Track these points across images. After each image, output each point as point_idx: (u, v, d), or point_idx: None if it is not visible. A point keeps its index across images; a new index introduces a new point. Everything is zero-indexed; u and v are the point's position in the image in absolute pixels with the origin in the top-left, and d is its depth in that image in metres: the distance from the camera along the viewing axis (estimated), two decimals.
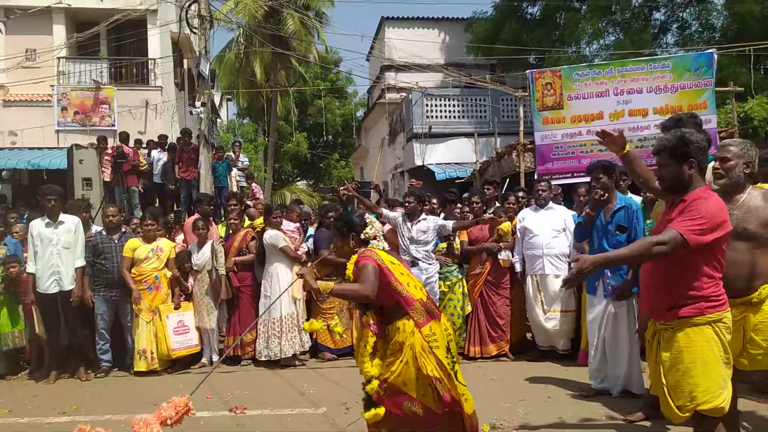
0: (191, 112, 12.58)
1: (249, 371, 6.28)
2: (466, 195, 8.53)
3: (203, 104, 11.18)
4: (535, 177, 8.99)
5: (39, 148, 14.44)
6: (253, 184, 13.24)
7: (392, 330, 3.16)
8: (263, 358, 6.30)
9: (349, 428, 4.21)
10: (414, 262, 6.10)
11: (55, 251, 6.02)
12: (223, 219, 8.45)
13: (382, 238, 3.38)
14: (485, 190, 7.42)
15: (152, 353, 6.25)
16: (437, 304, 5.83)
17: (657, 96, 9.07)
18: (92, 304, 6.24)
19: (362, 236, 3.29)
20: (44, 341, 6.24)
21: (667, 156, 2.94)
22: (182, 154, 11.14)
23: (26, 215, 9.35)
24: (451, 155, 15.44)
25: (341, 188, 8.35)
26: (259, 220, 7.04)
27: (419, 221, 6.23)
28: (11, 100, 14.73)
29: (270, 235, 6.37)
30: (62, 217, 6.14)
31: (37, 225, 6.07)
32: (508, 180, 11.27)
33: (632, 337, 4.68)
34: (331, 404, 4.83)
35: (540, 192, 6.17)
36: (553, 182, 7.23)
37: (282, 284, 6.24)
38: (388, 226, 6.40)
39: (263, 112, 26.69)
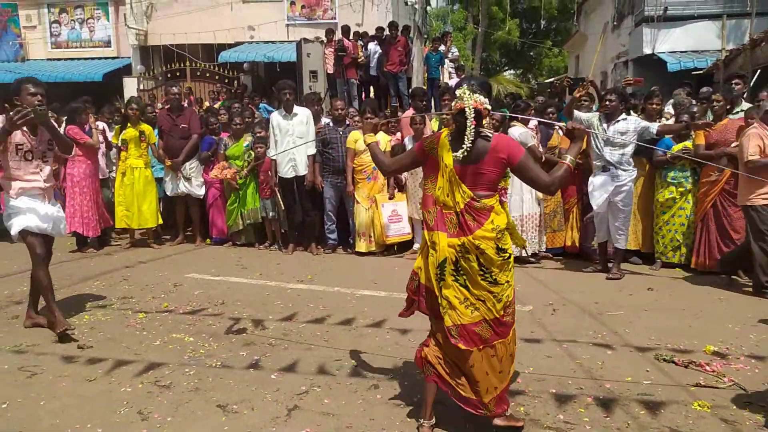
0: (406, 2, 12.57)
1: None
2: (704, 90, 7.48)
3: None
4: None
5: (272, 42, 15.84)
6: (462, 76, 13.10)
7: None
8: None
9: (554, 329, 4.26)
10: (606, 167, 5.63)
11: (291, 140, 6.73)
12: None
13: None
14: (732, 85, 6.43)
15: (371, 236, 6.87)
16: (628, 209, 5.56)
17: None
18: (321, 188, 6.98)
19: None
20: (281, 220, 7.20)
21: None
22: (389, 47, 11.32)
23: (262, 104, 10.56)
24: (689, 41, 13.37)
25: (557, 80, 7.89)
26: None
27: (618, 121, 5.61)
28: None
29: (520, 132, 6.19)
30: (296, 109, 6.79)
31: (276, 117, 6.82)
32: (759, 72, 9.53)
33: None
34: (538, 304, 4.91)
35: None
36: None
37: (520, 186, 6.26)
38: None
39: None
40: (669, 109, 7.51)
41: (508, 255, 2.79)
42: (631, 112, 6.27)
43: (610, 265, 5.85)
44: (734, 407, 3.06)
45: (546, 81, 24.66)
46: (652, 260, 6.19)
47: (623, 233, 5.75)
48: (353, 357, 3.81)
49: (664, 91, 7.77)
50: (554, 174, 2.76)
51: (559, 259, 6.61)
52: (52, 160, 4.51)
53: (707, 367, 3.52)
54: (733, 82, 6.55)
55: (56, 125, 4.43)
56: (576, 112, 6.04)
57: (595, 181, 5.77)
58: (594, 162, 5.82)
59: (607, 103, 5.71)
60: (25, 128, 4.17)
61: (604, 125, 5.68)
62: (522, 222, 6.29)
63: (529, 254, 6.42)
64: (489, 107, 2.73)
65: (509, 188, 6.32)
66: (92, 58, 17.18)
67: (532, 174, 2.76)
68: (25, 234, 4.26)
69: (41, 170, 4.34)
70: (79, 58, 17.18)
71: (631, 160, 5.69)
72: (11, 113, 3.90)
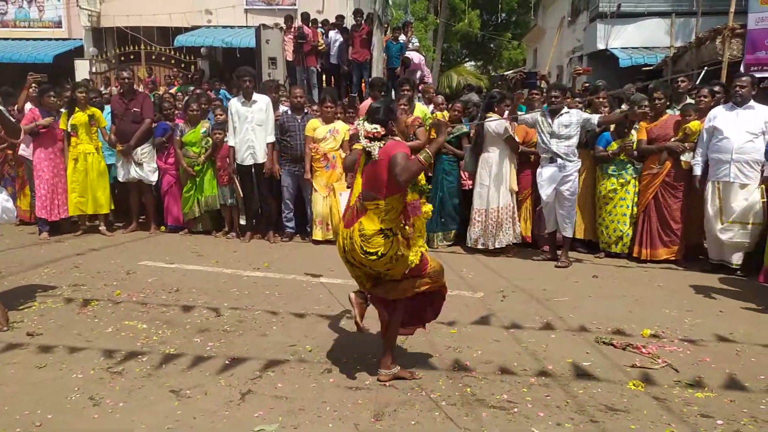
0: None
1: None
2: (651, 85, 7.77)
3: None
4: (741, 68, 7.85)
5: (231, 27, 15.60)
6: (425, 68, 13.17)
7: None
8: (479, 246, 6.46)
9: (503, 314, 4.43)
10: (553, 159, 5.88)
11: (250, 128, 6.70)
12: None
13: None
14: (678, 82, 6.72)
15: (328, 224, 6.92)
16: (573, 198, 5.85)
17: None
18: (279, 176, 6.98)
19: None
20: (240, 207, 7.18)
21: None
22: (354, 36, 11.33)
23: (222, 90, 10.43)
24: (641, 38, 13.85)
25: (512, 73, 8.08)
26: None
27: (561, 114, 5.87)
28: None
29: (497, 123, 6.20)
30: (255, 96, 6.75)
31: (234, 104, 6.77)
32: (705, 71, 9.95)
33: None
34: (489, 290, 5.07)
35: (739, 88, 5.44)
36: (763, 74, 6.30)
37: (500, 173, 6.30)
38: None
39: None
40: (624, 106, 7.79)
41: (376, 257, 3.11)
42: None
43: (558, 253, 6.07)
44: (666, 386, 3.27)
45: (500, 73, 25.06)
46: (597, 249, 6.44)
47: (570, 222, 5.98)
48: (307, 342, 3.89)
49: (615, 85, 8.05)
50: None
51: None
52: None
53: (643, 350, 3.73)
54: (679, 79, 6.84)
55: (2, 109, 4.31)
56: (520, 116, 6.29)
57: (544, 172, 5.99)
58: (541, 155, 6.04)
59: (553, 99, 5.95)
60: None
61: (549, 119, 5.90)
62: (498, 213, 6.34)
63: (504, 245, 6.44)
64: (380, 130, 3.17)
65: (483, 180, 6.36)
66: (42, 39, 16.59)
67: (396, 169, 3.01)
68: None
69: None
70: (27, 39, 16.57)
71: (576, 151, 5.92)
72: None
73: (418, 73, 11.56)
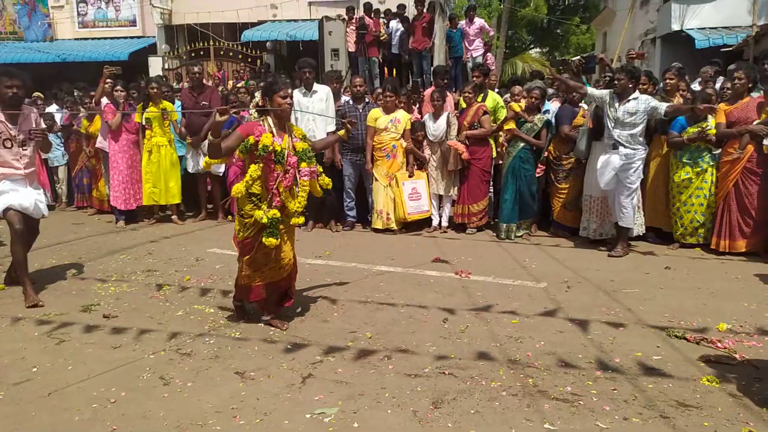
0: None
1: (474, 240, 6.63)
2: (731, 67, 7.31)
3: None
4: None
5: (295, 21, 15.85)
6: (488, 55, 12.92)
7: None
8: (590, 235, 6.26)
9: (567, 305, 4.30)
10: (615, 145, 5.62)
11: (311, 117, 6.79)
12: (458, 90, 8.56)
13: None
14: (765, 64, 6.26)
15: (388, 214, 6.93)
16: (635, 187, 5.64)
17: None
18: (341, 166, 7.04)
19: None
20: None
21: None
22: (415, 24, 11.25)
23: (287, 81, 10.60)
24: (719, 18, 13.00)
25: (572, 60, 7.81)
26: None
27: (628, 101, 5.58)
28: None
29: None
30: (316, 86, 6.84)
31: (296, 94, 6.88)
32: None
33: None
34: (553, 281, 4.94)
35: None
36: None
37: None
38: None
39: None
40: (696, 86, 7.37)
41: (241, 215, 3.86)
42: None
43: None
44: (743, 383, 3.08)
45: (559, 59, 24.27)
46: (670, 240, 6.14)
47: (627, 212, 5.73)
48: (367, 330, 3.91)
49: (692, 68, 7.62)
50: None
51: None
52: (34, 148, 4.72)
53: (719, 344, 3.53)
54: (764, 61, 6.36)
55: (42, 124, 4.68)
56: (590, 88, 6.04)
57: (603, 158, 5.79)
58: (605, 140, 5.81)
59: (616, 82, 5.69)
60: (2, 117, 4.34)
61: (616, 104, 5.65)
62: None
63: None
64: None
65: (593, 164, 6.02)
66: (118, 38, 17.43)
67: None
68: (6, 211, 4.48)
69: (21, 157, 4.56)
70: (105, 38, 17.45)
71: (641, 138, 5.65)
72: None
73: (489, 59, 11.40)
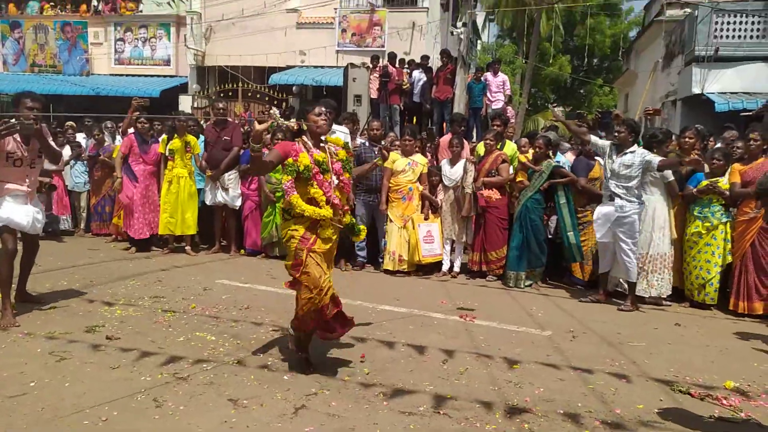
0: (452, 33, 12.81)
1: (482, 286, 6.58)
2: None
3: (464, 24, 11.36)
4: None
5: (321, 67, 16.34)
6: (509, 108, 13.14)
7: None
8: (618, 288, 6.12)
9: (570, 354, 4.22)
10: (611, 197, 5.67)
11: None
12: (474, 140, 8.70)
13: None
14: None
15: (401, 256, 6.94)
16: (632, 241, 5.59)
17: None
18: (354, 206, 7.11)
19: None
20: None
21: None
22: (439, 75, 11.54)
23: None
24: (740, 83, 13.09)
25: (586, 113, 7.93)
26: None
27: (625, 153, 5.63)
28: (302, 23, 16.72)
29: (661, 165, 5.62)
30: (334, 127, 6.97)
31: None
32: None
33: None
34: (558, 329, 4.87)
35: None
36: None
37: (657, 219, 5.86)
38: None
39: (525, 33, 25.77)
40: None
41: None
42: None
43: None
44: None
45: (576, 112, 24.56)
46: (683, 297, 6.03)
47: (630, 266, 5.67)
48: (365, 366, 3.87)
49: (712, 132, 7.64)
50: None
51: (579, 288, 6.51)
52: (40, 167, 4.89)
53: (724, 401, 3.43)
54: None
55: (47, 137, 4.77)
56: (593, 137, 6.13)
57: (600, 210, 5.85)
58: (603, 191, 5.87)
59: (616, 134, 5.78)
60: (17, 138, 4.53)
61: (614, 156, 5.73)
62: (646, 259, 5.91)
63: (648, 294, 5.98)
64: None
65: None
66: (152, 76, 18.10)
67: None
68: (2, 230, 4.59)
69: (27, 176, 4.73)
70: (139, 75, 18.13)
71: (636, 192, 5.67)
72: None
73: (509, 112, 11.59)
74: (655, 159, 5.60)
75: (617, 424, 3.12)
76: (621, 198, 5.65)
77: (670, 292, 5.97)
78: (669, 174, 5.87)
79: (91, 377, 3.54)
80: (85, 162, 8.90)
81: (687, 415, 3.26)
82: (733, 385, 3.70)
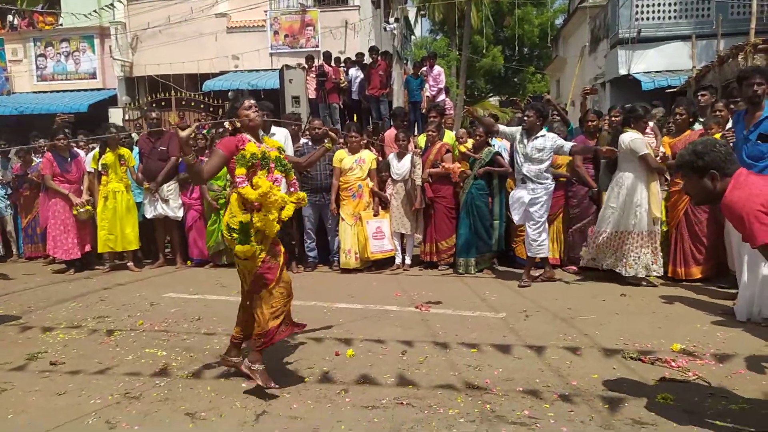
0: (385, 29, 12.85)
1: (435, 276, 6.64)
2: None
3: (396, 20, 11.41)
4: None
5: (256, 70, 16.07)
6: (447, 99, 13.28)
7: None
8: (591, 265, 6.03)
9: (525, 333, 4.30)
10: (524, 180, 5.86)
11: None
12: (416, 133, 8.75)
13: None
14: (699, 97, 6.62)
15: (356, 253, 6.90)
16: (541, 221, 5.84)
17: None
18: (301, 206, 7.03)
19: None
20: None
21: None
22: (371, 72, 11.55)
23: None
24: (663, 62, 13.74)
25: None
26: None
27: (536, 138, 5.83)
28: (233, 27, 16.38)
29: (631, 138, 5.60)
30: (274, 129, 6.88)
31: None
32: (723, 86, 9.78)
33: None
34: (511, 311, 4.95)
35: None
36: None
37: (631, 196, 5.66)
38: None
39: (456, 26, 26.13)
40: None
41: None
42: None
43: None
44: (697, 399, 3.10)
45: (509, 99, 25.29)
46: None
47: (536, 243, 5.91)
48: (325, 365, 3.83)
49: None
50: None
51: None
52: None
53: (673, 363, 3.57)
54: (699, 94, 6.74)
55: None
56: (501, 126, 6.30)
57: (514, 194, 6.05)
58: (516, 175, 6.07)
59: (525, 118, 5.94)
60: None
61: (525, 141, 5.89)
62: (621, 238, 5.78)
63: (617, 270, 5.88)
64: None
65: (611, 202, 5.82)
66: (78, 90, 17.33)
67: None
68: None
69: None
70: (65, 90, 17.33)
71: (547, 174, 5.87)
72: None
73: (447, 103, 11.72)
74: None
75: (575, 396, 3.20)
76: (533, 181, 5.84)
77: (661, 273, 5.81)
78: (640, 147, 5.58)
79: (36, 406, 3.35)
80: (5, 185, 8.44)
81: (639, 380, 3.38)
82: (680, 347, 3.86)
